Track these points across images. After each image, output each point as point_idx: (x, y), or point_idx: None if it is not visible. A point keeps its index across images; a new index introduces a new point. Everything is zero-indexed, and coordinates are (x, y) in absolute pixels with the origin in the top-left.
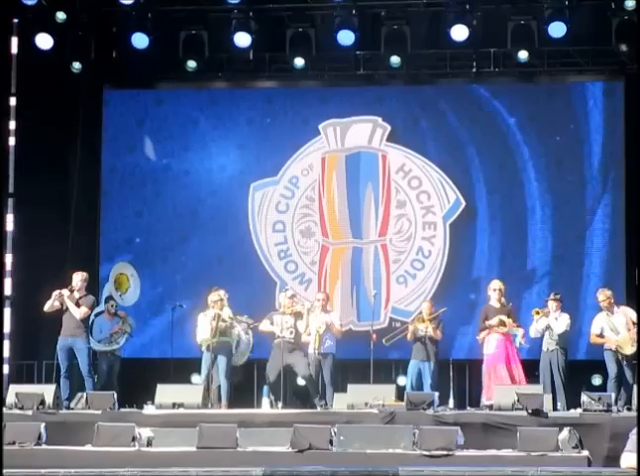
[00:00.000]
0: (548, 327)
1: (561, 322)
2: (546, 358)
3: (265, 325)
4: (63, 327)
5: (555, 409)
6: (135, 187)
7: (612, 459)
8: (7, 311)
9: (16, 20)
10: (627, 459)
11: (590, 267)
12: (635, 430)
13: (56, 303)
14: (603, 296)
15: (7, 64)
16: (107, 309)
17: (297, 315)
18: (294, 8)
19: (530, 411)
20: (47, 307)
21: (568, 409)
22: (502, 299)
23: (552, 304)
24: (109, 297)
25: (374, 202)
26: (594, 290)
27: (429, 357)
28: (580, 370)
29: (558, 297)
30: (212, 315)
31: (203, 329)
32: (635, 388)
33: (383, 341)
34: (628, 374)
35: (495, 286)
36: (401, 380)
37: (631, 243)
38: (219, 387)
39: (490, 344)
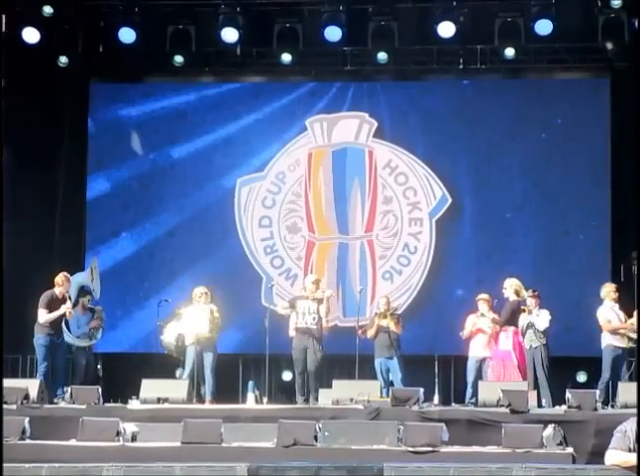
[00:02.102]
0: (531, 325)
1: (542, 319)
2: (529, 355)
3: (282, 308)
4: (52, 325)
5: (539, 405)
6: (121, 181)
7: (597, 456)
8: None
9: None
10: (612, 456)
11: (577, 263)
12: (620, 427)
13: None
14: (610, 287)
15: None
16: (82, 304)
17: (319, 302)
18: (282, 3)
19: (512, 408)
20: (47, 320)
21: (552, 405)
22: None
23: (531, 301)
24: (84, 292)
25: (361, 198)
26: (580, 285)
27: (393, 353)
28: (564, 366)
29: (536, 293)
30: (209, 311)
31: (195, 323)
32: (619, 384)
33: (360, 333)
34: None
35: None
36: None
37: (617, 239)
38: (204, 382)
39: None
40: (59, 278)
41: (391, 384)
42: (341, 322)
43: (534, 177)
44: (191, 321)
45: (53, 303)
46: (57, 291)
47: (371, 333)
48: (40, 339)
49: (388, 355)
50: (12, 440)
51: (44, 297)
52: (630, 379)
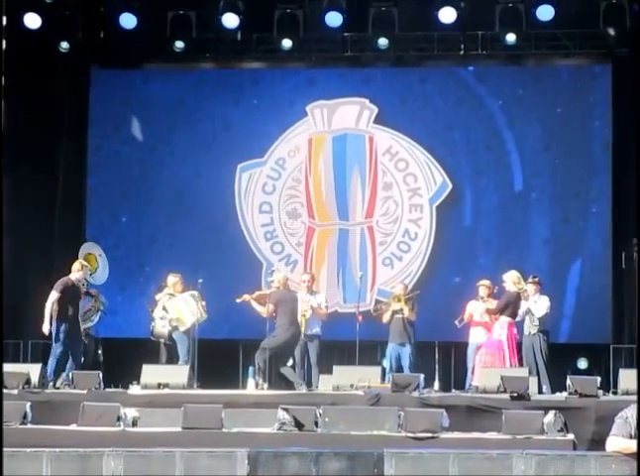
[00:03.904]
0: (528, 311)
1: (540, 305)
2: (528, 342)
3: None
4: (74, 313)
5: (540, 392)
6: (121, 168)
7: (598, 443)
8: None
9: None
10: (613, 443)
11: (577, 250)
12: (621, 414)
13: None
14: None
15: None
16: None
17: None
18: None
19: (512, 394)
20: (48, 308)
21: (553, 392)
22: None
23: (531, 287)
24: None
25: (361, 184)
26: (580, 273)
27: (406, 339)
28: (565, 353)
29: (537, 279)
30: (199, 300)
31: (192, 311)
32: (620, 371)
33: (371, 310)
34: None
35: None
36: (387, 362)
37: (618, 226)
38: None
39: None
40: (76, 264)
41: (400, 370)
42: (341, 308)
43: (534, 163)
44: (188, 308)
45: (67, 290)
46: (74, 277)
47: (385, 318)
48: (59, 325)
49: (400, 342)
50: (13, 425)
51: (59, 283)
52: None
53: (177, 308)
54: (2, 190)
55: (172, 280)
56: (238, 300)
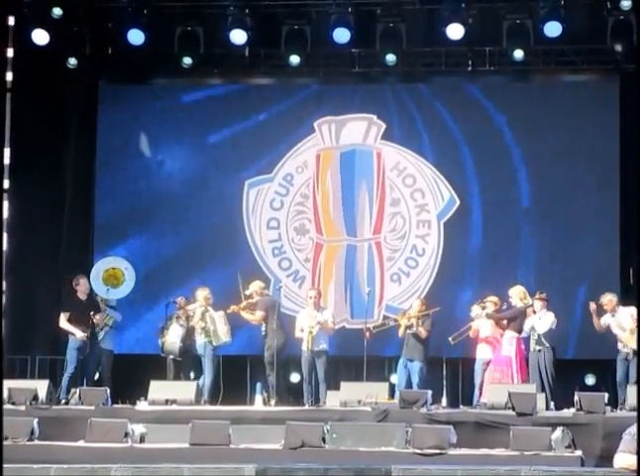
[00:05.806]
0: (532, 328)
1: (544, 322)
2: (534, 358)
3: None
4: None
5: (548, 408)
6: (129, 183)
7: (605, 459)
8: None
9: (12, 16)
10: (621, 460)
11: (584, 266)
12: (628, 430)
13: None
14: (606, 300)
15: (3, 60)
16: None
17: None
18: (290, 5)
19: (517, 411)
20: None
21: (558, 408)
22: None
23: (537, 303)
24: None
25: (369, 200)
26: (588, 288)
27: (414, 355)
28: (572, 369)
29: (543, 295)
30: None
31: (228, 331)
32: (628, 387)
33: (371, 327)
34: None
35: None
36: (394, 378)
37: (625, 243)
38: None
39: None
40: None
41: (410, 385)
42: (349, 324)
43: (542, 179)
44: (225, 328)
45: (74, 307)
46: (79, 293)
47: (400, 332)
48: (71, 342)
49: (409, 357)
50: (21, 441)
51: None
52: None
53: (216, 323)
54: (2, 206)
55: (202, 293)
56: (228, 311)
